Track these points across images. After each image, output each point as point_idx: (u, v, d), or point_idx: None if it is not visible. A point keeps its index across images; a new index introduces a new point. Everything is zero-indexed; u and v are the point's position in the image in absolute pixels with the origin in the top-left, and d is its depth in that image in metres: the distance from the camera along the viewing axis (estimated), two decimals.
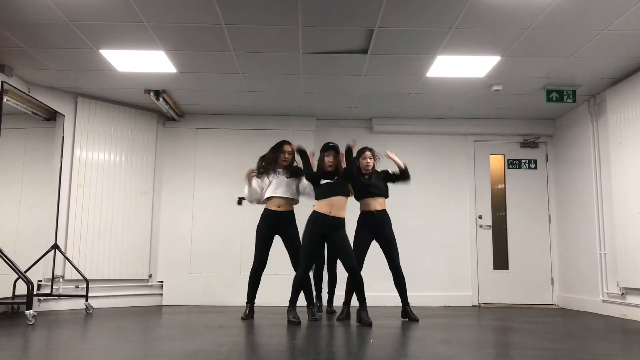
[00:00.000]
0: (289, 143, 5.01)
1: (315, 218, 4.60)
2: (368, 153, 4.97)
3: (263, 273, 4.92)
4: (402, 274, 4.85)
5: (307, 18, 4.14)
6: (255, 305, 4.93)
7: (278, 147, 4.99)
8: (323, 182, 4.61)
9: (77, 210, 5.90)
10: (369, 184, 4.88)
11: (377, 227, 4.87)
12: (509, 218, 6.97)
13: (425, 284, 6.51)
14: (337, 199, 4.55)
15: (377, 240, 4.91)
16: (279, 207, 4.85)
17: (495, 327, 4.59)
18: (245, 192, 4.99)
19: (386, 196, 4.97)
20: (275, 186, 4.85)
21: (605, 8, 3.95)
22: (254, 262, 4.89)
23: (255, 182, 4.94)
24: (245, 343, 3.58)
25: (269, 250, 4.89)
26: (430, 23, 4.21)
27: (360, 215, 4.95)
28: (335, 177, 4.62)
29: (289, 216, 4.91)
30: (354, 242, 4.86)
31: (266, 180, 4.89)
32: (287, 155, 4.95)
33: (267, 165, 4.93)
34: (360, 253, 4.85)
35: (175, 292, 6.49)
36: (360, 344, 3.58)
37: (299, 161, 4.88)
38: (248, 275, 4.92)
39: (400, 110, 6.61)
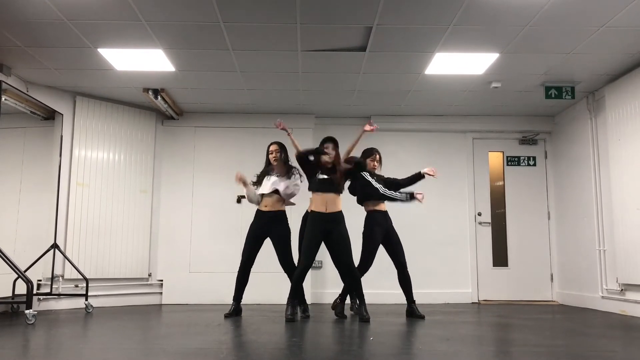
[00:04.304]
0: (273, 142, 5.05)
1: (313, 217, 4.64)
2: (377, 156, 5.03)
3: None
4: (408, 273, 4.89)
5: (305, 16, 4.14)
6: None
7: (267, 149, 5.04)
8: (320, 176, 4.63)
9: (77, 209, 5.89)
10: (379, 187, 4.89)
11: (387, 226, 4.93)
12: (508, 215, 6.98)
13: (424, 281, 6.50)
14: (330, 196, 4.61)
15: (384, 240, 4.94)
16: (266, 206, 4.91)
17: (494, 324, 4.59)
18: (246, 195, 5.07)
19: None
20: (263, 185, 4.90)
21: (604, 4, 3.95)
22: (241, 258, 4.96)
23: (251, 187, 4.99)
24: (245, 341, 3.59)
25: (255, 249, 4.94)
26: (428, 20, 4.21)
27: (371, 215, 4.96)
28: (332, 175, 4.61)
29: (277, 216, 4.91)
30: (367, 241, 4.90)
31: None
32: (274, 154, 4.96)
33: (263, 172, 4.97)
34: (373, 252, 4.89)
35: (175, 290, 6.49)
36: (360, 341, 3.59)
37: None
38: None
39: (399, 108, 6.61)
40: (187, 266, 6.57)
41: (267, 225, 4.90)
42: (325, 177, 4.61)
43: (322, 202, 4.61)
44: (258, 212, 4.94)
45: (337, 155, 4.68)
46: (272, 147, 5.00)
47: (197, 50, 4.81)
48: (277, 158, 4.94)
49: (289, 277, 4.89)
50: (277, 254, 4.90)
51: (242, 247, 4.98)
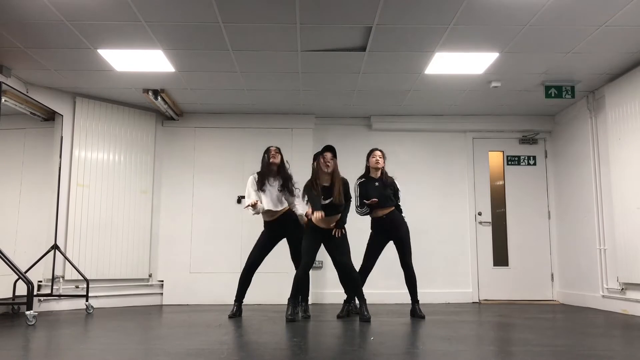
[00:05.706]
0: (272, 146, 5.07)
1: (315, 229, 4.68)
2: (378, 152, 4.98)
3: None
4: (413, 273, 4.90)
5: (305, 16, 4.14)
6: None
7: (266, 152, 5.02)
8: (323, 202, 4.62)
9: (77, 210, 5.89)
10: (378, 195, 4.87)
11: (390, 229, 4.93)
12: (508, 214, 6.98)
13: (425, 281, 6.47)
14: (333, 217, 4.67)
15: (392, 240, 4.97)
16: (272, 216, 4.91)
17: (495, 324, 4.59)
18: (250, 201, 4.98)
19: (393, 205, 4.97)
20: (267, 201, 4.85)
21: (604, 3, 3.95)
22: (247, 259, 4.95)
23: (254, 195, 4.93)
24: (246, 341, 3.59)
25: (266, 253, 4.95)
26: (428, 20, 4.21)
27: (372, 221, 5.03)
28: (331, 199, 4.62)
29: (288, 217, 4.93)
30: (368, 246, 4.98)
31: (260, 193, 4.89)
32: (273, 154, 4.96)
33: (263, 176, 4.91)
34: (372, 257, 4.96)
35: (176, 291, 6.49)
36: (360, 341, 3.59)
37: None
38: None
39: (399, 108, 6.61)
40: (187, 267, 6.57)
41: (285, 229, 4.93)
42: (327, 202, 4.62)
43: (326, 222, 4.65)
44: (267, 223, 4.94)
45: (336, 165, 4.70)
46: (273, 149, 5.02)
47: (197, 50, 4.81)
48: (277, 160, 4.95)
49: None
50: (291, 251, 4.95)
51: (250, 248, 4.97)
